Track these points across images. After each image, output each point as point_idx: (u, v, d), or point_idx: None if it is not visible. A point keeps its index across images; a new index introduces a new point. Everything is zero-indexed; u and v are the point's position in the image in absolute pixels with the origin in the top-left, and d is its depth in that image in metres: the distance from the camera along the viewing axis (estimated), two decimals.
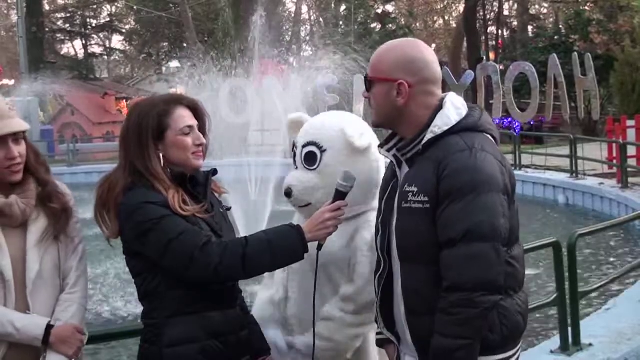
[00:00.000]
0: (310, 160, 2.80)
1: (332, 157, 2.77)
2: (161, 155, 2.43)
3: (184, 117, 2.46)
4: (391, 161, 2.36)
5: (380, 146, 2.36)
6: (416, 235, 2.17)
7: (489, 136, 2.23)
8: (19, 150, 2.44)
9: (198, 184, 2.51)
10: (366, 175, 2.74)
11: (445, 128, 2.18)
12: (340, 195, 2.41)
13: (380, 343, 2.50)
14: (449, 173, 2.10)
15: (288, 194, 2.79)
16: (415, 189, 2.15)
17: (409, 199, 2.17)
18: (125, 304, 7.38)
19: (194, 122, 2.48)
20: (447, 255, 2.10)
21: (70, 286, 2.52)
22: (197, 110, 2.52)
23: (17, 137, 2.44)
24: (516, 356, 2.25)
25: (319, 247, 2.43)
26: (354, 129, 2.77)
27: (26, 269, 2.43)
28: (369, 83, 2.29)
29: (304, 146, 2.82)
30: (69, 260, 2.54)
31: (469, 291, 2.06)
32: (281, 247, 2.34)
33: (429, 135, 2.18)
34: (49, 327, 2.40)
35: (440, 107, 2.23)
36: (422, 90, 2.23)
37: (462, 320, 2.07)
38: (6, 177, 2.45)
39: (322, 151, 2.78)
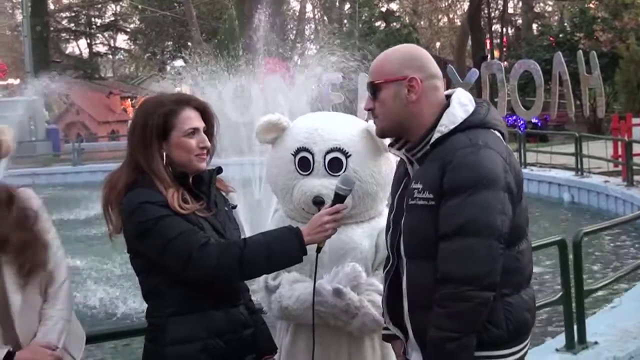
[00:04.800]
0: (336, 166, 2.75)
1: (358, 162, 2.75)
2: (164, 154, 2.42)
3: (190, 118, 2.44)
4: (402, 159, 2.36)
5: (391, 145, 2.37)
6: (421, 232, 2.17)
7: (496, 132, 2.23)
8: None
9: (203, 183, 2.50)
10: (390, 175, 2.67)
11: (452, 126, 2.18)
12: (339, 198, 2.41)
13: (386, 338, 2.50)
14: (451, 169, 2.11)
15: (320, 202, 2.70)
16: (421, 186, 2.17)
17: (414, 195, 2.18)
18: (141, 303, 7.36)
19: (200, 124, 2.46)
20: (441, 249, 2.11)
21: (50, 297, 2.38)
22: (205, 113, 2.51)
23: None
24: (523, 351, 2.24)
25: (318, 250, 2.43)
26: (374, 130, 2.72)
27: (9, 301, 2.27)
28: (375, 88, 2.25)
29: (327, 153, 2.76)
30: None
31: (457, 284, 2.07)
32: (278, 250, 2.33)
33: (436, 135, 2.19)
34: (10, 356, 2.23)
35: (447, 104, 2.23)
36: (431, 85, 2.24)
37: (452, 314, 2.08)
38: None
39: (347, 156, 2.75)
